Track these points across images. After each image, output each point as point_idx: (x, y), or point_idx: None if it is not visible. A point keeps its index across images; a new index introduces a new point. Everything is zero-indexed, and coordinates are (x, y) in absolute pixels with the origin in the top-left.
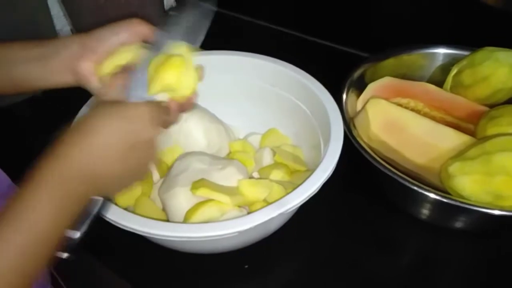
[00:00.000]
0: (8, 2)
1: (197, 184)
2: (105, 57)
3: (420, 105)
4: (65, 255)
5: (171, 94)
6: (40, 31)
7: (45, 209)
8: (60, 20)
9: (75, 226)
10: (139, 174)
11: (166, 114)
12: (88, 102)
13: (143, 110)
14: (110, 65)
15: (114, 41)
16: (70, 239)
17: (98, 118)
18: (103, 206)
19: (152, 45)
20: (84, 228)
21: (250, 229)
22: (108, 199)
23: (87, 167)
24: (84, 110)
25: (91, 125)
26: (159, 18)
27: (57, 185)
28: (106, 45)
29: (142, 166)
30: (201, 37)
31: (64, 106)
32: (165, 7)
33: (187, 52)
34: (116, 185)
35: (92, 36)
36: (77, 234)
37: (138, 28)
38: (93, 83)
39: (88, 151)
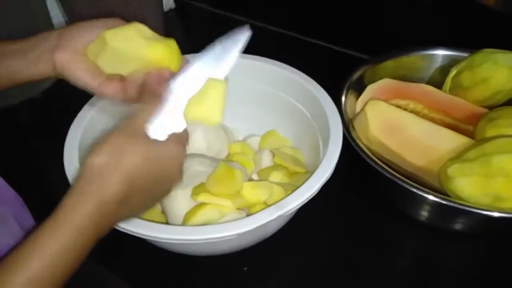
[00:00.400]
0: (7, 3)
1: (197, 190)
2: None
3: (419, 107)
4: None
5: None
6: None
7: (67, 244)
8: (59, 21)
9: None
10: (158, 202)
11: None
12: (90, 101)
13: (178, 153)
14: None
15: (91, 35)
16: None
17: (138, 160)
18: None
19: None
20: None
21: (249, 231)
22: None
23: (116, 216)
24: (86, 108)
25: (127, 168)
26: (158, 19)
27: (81, 231)
28: (82, 38)
29: (157, 201)
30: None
31: (63, 106)
32: (164, 8)
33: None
34: (140, 212)
35: (71, 28)
36: None
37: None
38: (70, 73)
39: (122, 196)
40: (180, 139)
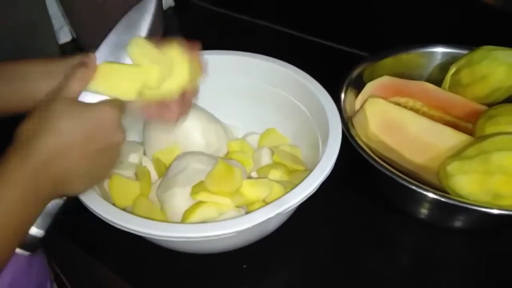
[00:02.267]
0: (6, 2)
1: (196, 189)
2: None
3: (418, 104)
4: (25, 252)
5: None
6: (38, 31)
7: (11, 206)
8: (58, 20)
9: (37, 224)
10: (104, 175)
11: (128, 114)
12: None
13: (112, 112)
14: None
15: None
16: (31, 236)
17: (67, 119)
18: (64, 207)
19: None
20: (45, 227)
21: (248, 229)
22: (70, 199)
23: (56, 170)
24: None
25: (60, 127)
26: (157, 17)
27: (25, 185)
28: None
29: (107, 168)
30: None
31: None
32: (163, 7)
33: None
34: (81, 185)
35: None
36: (38, 232)
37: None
38: None
39: (57, 154)
40: (112, 102)
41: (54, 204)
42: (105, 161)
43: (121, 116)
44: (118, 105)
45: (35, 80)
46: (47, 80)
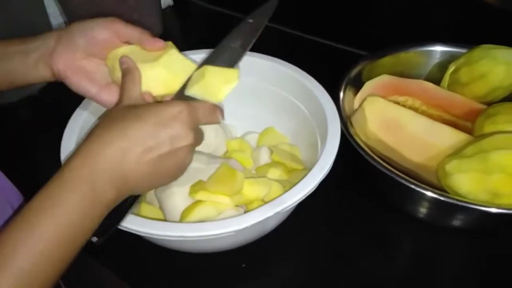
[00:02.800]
0: (3, 0)
1: (195, 188)
2: (79, 51)
3: (417, 103)
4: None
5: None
6: (35, 30)
7: (72, 208)
8: (56, 18)
9: (98, 231)
10: (174, 177)
11: (209, 112)
12: (82, 103)
13: (180, 111)
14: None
15: (89, 37)
16: (91, 243)
17: (130, 120)
18: (128, 208)
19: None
20: (108, 234)
21: (247, 228)
22: (135, 199)
23: (119, 173)
24: (78, 112)
25: (123, 128)
26: (156, 16)
27: (86, 186)
28: (79, 40)
29: (177, 170)
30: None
31: (61, 104)
32: (162, 6)
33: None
34: (147, 188)
35: (68, 31)
36: (98, 240)
37: (116, 26)
38: (68, 80)
39: (120, 157)
40: (185, 102)
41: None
42: (171, 165)
43: (192, 114)
44: (186, 103)
45: (20, 57)
46: (23, 58)
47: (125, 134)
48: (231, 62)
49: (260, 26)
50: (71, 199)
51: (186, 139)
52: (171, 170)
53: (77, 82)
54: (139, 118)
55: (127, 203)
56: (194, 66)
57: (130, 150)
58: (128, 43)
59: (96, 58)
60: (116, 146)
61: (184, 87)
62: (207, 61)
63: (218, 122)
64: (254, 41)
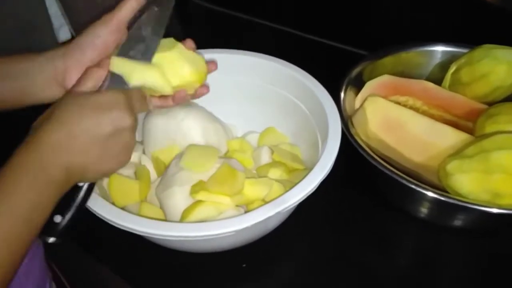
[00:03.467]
0: (6, 1)
1: (196, 188)
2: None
3: (418, 103)
4: (50, 239)
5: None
6: (38, 30)
7: (24, 194)
8: (58, 19)
9: (60, 212)
10: (121, 160)
11: (141, 100)
12: None
13: (117, 97)
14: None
15: (97, 45)
16: (55, 224)
17: (73, 107)
18: (87, 193)
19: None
20: (70, 213)
21: (248, 228)
22: (92, 185)
23: (67, 156)
24: None
25: (67, 115)
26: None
27: (36, 171)
28: (89, 52)
29: (123, 152)
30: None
31: None
32: None
33: (173, 47)
34: (95, 173)
35: (74, 46)
36: (62, 220)
37: (114, 23)
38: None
39: (65, 140)
40: (116, 88)
41: (74, 192)
42: (117, 146)
43: (128, 100)
44: (122, 90)
45: (27, 78)
46: (32, 77)
47: (69, 121)
48: (148, 52)
49: (166, 12)
50: (23, 186)
51: (127, 120)
52: (116, 152)
53: None
54: (80, 106)
55: (84, 190)
56: (201, 57)
57: (75, 135)
58: None
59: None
60: (61, 132)
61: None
62: (122, 51)
63: (148, 110)
64: (164, 27)
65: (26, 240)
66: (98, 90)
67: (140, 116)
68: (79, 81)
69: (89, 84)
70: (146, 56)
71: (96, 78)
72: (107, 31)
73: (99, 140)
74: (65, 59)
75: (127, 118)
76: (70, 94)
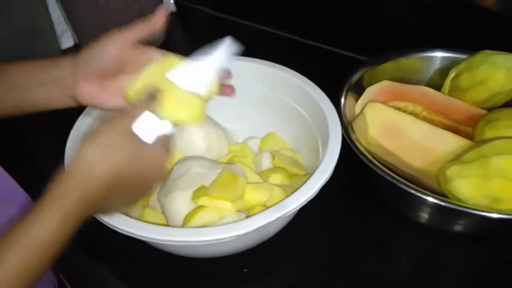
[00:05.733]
0: (9, 8)
1: (198, 193)
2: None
3: (418, 109)
4: None
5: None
6: (41, 36)
7: (49, 228)
8: (60, 25)
9: None
10: (143, 195)
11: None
12: (85, 111)
13: (161, 156)
14: (136, 87)
15: (106, 59)
16: None
17: (121, 157)
18: None
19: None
20: None
21: (249, 233)
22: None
23: (102, 207)
24: (82, 118)
25: (115, 167)
26: None
27: (79, 199)
28: (97, 66)
29: (137, 198)
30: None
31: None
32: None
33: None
34: (112, 210)
35: (82, 59)
36: None
37: (123, 36)
38: (98, 103)
39: (106, 194)
40: (165, 143)
41: None
42: (140, 193)
43: (168, 155)
44: (169, 145)
45: (32, 90)
46: (45, 88)
47: (114, 176)
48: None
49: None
50: (49, 222)
51: (159, 180)
52: (135, 196)
53: (108, 102)
54: (126, 151)
55: None
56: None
57: (112, 189)
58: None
59: (118, 73)
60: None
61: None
62: None
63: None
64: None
65: (42, 270)
66: (139, 143)
67: None
68: (121, 115)
69: (130, 122)
70: None
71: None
72: (113, 44)
73: (131, 194)
74: (74, 74)
75: (160, 175)
76: (124, 136)
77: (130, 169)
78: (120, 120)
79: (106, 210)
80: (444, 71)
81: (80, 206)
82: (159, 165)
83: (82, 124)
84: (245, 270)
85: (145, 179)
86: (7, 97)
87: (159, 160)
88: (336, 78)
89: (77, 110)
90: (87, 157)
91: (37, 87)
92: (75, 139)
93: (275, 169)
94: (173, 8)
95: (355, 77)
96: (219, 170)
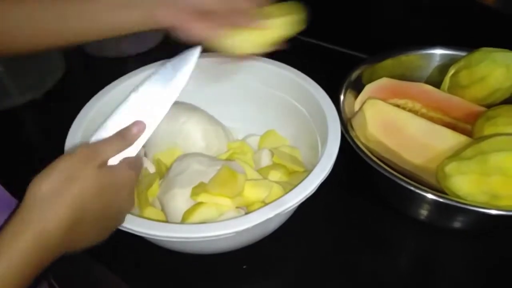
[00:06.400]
0: None
1: (197, 190)
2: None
3: (417, 106)
4: None
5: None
6: None
7: (17, 258)
8: None
9: None
10: (107, 234)
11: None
12: (90, 101)
13: (130, 179)
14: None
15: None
16: None
17: (82, 185)
18: None
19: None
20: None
21: (248, 229)
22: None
23: (69, 244)
24: (86, 109)
25: (75, 197)
26: None
27: (32, 245)
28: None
29: (111, 229)
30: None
31: (65, 107)
32: None
33: None
34: (86, 244)
35: None
36: None
37: None
38: (182, 34)
39: (70, 230)
40: (133, 164)
41: None
42: (110, 224)
43: (136, 178)
44: (137, 166)
45: (114, 12)
46: (125, 13)
47: (80, 201)
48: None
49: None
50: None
51: (131, 206)
52: (110, 228)
53: (190, 31)
54: (94, 186)
55: None
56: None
57: (81, 219)
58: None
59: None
60: (66, 213)
61: None
62: None
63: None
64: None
65: None
66: (113, 166)
67: None
68: (99, 145)
69: (109, 155)
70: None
71: (117, 151)
72: None
73: (101, 225)
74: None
75: (132, 203)
76: (85, 163)
77: (96, 199)
78: (82, 149)
79: (75, 247)
80: (443, 68)
81: (35, 249)
82: (128, 188)
83: (80, 122)
84: (244, 266)
85: (114, 206)
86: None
87: (127, 183)
88: (335, 75)
89: (77, 110)
90: (39, 193)
91: (119, 9)
92: (76, 133)
93: (274, 166)
94: None
95: (354, 74)
96: (218, 167)
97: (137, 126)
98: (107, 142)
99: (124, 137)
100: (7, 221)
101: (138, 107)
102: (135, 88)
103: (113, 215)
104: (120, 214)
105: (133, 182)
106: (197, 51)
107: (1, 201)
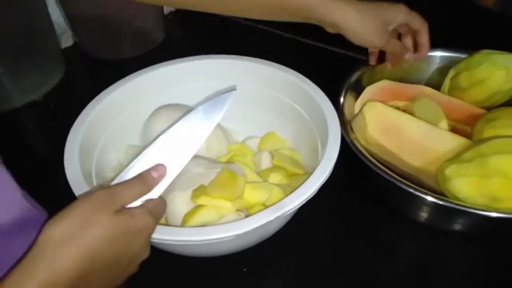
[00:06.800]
0: (9, 7)
1: (197, 193)
2: None
3: None
4: None
5: None
6: (40, 36)
7: None
8: (60, 25)
9: None
10: (123, 278)
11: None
12: (91, 103)
13: (147, 226)
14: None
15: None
16: None
17: (96, 233)
18: None
19: None
20: None
21: (248, 232)
22: None
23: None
24: (87, 111)
25: (88, 246)
26: (158, 21)
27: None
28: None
29: (129, 274)
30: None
31: (65, 109)
32: (164, 11)
33: None
34: None
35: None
36: None
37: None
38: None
39: (79, 280)
40: (154, 209)
41: None
42: (123, 272)
43: (155, 224)
44: (158, 211)
45: None
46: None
47: (95, 252)
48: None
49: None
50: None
51: (146, 254)
52: (122, 276)
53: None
54: (111, 237)
55: None
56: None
57: (94, 271)
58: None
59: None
60: (78, 261)
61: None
62: None
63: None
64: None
65: None
66: (131, 210)
67: (142, 121)
68: (120, 190)
69: (128, 201)
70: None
71: (138, 196)
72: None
73: (112, 275)
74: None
75: (147, 251)
76: (101, 209)
77: (109, 245)
78: (98, 191)
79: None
80: (443, 71)
81: None
82: (144, 237)
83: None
84: (244, 269)
85: (128, 255)
86: None
87: (144, 231)
88: (335, 78)
89: (77, 112)
90: (50, 239)
91: None
92: (75, 139)
93: (274, 168)
94: (172, 7)
95: (354, 77)
96: (218, 170)
97: (157, 171)
98: (125, 186)
99: (144, 181)
100: (16, 264)
101: (164, 152)
102: (165, 131)
103: (126, 263)
104: (134, 262)
105: (150, 230)
106: (230, 97)
107: (13, 201)
